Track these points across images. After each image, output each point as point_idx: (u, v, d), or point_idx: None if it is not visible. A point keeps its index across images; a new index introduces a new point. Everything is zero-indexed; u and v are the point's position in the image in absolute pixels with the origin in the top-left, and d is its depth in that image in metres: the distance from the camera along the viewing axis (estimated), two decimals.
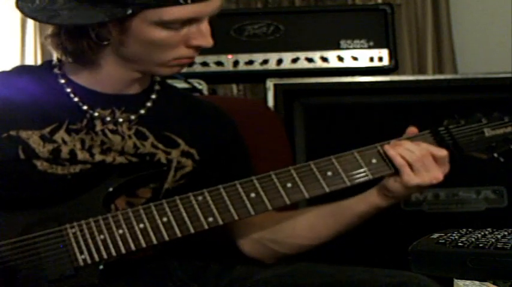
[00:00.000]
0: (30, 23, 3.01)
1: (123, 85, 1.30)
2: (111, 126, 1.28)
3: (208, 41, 1.23)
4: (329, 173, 1.27)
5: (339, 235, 1.35)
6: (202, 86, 2.00)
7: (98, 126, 1.28)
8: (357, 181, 1.28)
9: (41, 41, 2.97)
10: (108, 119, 1.29)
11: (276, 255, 1.39)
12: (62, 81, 1.30)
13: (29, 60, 2.97)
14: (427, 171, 1.26)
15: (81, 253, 1.17)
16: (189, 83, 1.96)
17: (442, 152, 1.28)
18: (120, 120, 1.29)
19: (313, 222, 1.36)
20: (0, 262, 1.15)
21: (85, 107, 1.28)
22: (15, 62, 2.95)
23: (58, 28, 1.23)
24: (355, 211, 1.32)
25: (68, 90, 1.29)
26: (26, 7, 1.20)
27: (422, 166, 1.26)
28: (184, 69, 1.97)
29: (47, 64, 1.34)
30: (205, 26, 1.22)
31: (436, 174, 1.27)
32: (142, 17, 1.17)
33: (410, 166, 1.26)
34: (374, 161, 1.28)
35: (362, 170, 1.28)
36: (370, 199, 1.31)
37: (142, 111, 1.32)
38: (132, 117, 1.30)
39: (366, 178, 1.28)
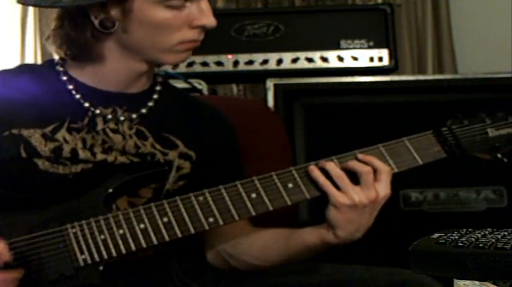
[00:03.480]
0: (30, 22, 3.00)
1: (127, 82, 1.29)
2: (112, 125, 1.28)
3: (210, 20, 1.23)
4: None
5: (288, 262, 1.31)
6: (202, 86, 2.00)
7: (99, 125, 1.28)
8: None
9: (41, 41, 2.97)
10: (110, 117, 1.28)
11: (230, 268, 1.37)
12: (64, 78, 1.30)
13: (29, 60, 2.97)
14: (354, 189, 1.20)
15: (82, 253, 1.17)
16: (189, 83, 1.97)
17: (365, 168, 1.21)
18: (122, 118, 1.29)
19: (267, 244, 1.33)
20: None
21: (87, 105, 1.28)
22: (15, 62, 2.94)
23: (61, 21, 1.23)
24: (306, 241, 1.26)
25: (70, 87, 1.29)
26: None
27: (346, 183, 1.20)
28: (184, 69, 2.00)
29: (50, 62, 1.33)
30: (205, 4, 1.22)
31: (366, 192, 1.19)
32: None
33: (335, 185, 1.21)
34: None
35: None
36: (320, 232, 1.24)
37: (143, 111, 1.31)
38: (134, 116, 1.30)
39: None
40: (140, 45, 1.24)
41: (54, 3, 1.18)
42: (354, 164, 1.22)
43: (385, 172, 1.22)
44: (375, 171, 1.22)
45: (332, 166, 1.22)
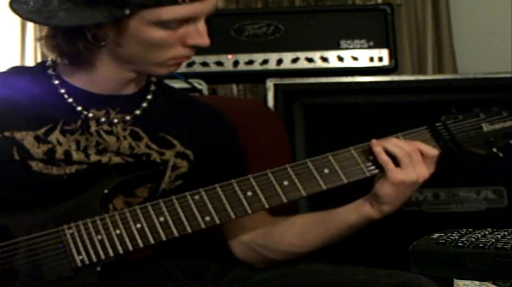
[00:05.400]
0: (30, 23, 3.00)
1: (119, 86, 1.29)
2: (105, 127, 1.28)
3: (204, 41, 1.22)
4: (326, 171, 1.26)
5: (328, 244, 1.33)
6: (202, 86, 2.00)
7: (93, 127, 1.27)
8: (354, 178, 1.27)
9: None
10: (103, 119, 1.28)
11: (265, 260, 1.38)
12: (56, 82, 1.29)
13: (29, 61, 2.97)
14: (413, 167, 1.25)
15: (79, 253, 1.17)
16: (189, 83, 1.96)
17: (433, 151, 1.27)
18: (115, 121, 1.29)
19: (303, 229, 1.34)
20: None
21: (79, 108, 1.28)
22: (15, 62, 2.94)
23: (54, 30, 1.22)
24: (347, 220, 1.29)
25: (62, 91, 1.28)
26: (21, 8, 1.19)
27: (410, 161, 1.25)
28: (184, 69, 2.00)
29: (41, 65, 1.33)
30: (201, 25, 1.22)
31: (422, 171, 1.25)
32: (140, 17, 1.16)
33: (396, 161, 1.25)
34: (371, 157, 1.28)
35: (359, 167, 1.27)
36: (362, 209, 1.28)
37: (137, 112, 1.31)
38: (127, 117, 1.30)
39: (363, 175, 1.27)
40: (132, 59, 1.24)
41: (47, 19, 1.17)
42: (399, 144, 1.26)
43: (433, 155, 1.27)
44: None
45: (393, 144, 1.26)
